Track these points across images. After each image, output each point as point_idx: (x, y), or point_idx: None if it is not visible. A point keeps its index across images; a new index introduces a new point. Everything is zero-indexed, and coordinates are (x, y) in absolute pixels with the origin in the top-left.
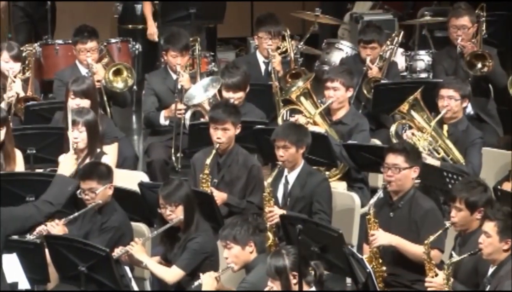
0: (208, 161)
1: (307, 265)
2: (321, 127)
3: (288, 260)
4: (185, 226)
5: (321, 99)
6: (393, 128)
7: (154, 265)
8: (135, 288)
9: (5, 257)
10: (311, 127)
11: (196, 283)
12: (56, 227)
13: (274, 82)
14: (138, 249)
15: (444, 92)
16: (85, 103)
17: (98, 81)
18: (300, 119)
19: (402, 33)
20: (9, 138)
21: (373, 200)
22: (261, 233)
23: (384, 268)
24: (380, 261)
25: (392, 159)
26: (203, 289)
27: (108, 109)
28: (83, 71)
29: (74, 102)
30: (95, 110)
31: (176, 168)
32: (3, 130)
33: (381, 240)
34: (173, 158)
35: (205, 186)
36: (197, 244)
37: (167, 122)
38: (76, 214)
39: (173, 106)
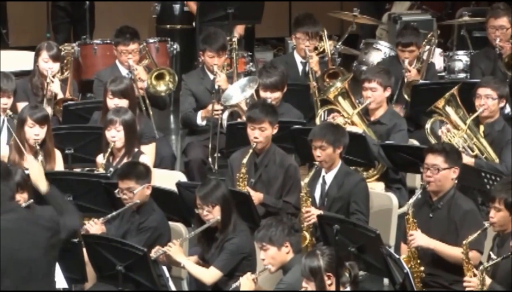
0: (245, 161)
1: (342, 265)
2: (359, 128)
3: (323, 261)
4: (222, 227)
5: (359, 99)
6: (428, 125)
7: (192, 265)
8: (173, 287)
9: None
10: (349, 128)
11: (234, 286)
12: (95, 226)
13: (312, 83)
14: (176, 250)
15: (481, 91)
16: (123, 103)
17: (142, 81)
18: (338, 119)
19: (438, 33)
20: (50, 137)
21: (412, 200)
22: (296, 233)
23: (422, 268)
24: (418, 261)
25: (432, 159)
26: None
27: (144, 109)
28: (123, 71)
29: (112, 102)
30: (133, 110)
31: (213, 169)
32: (44, 129)
33: (419, 241)
34: (210, 159)
35: (242, 185)
36: (235, 244)
37: (204, 123)
38: (114, 213)
39: (210, 106)
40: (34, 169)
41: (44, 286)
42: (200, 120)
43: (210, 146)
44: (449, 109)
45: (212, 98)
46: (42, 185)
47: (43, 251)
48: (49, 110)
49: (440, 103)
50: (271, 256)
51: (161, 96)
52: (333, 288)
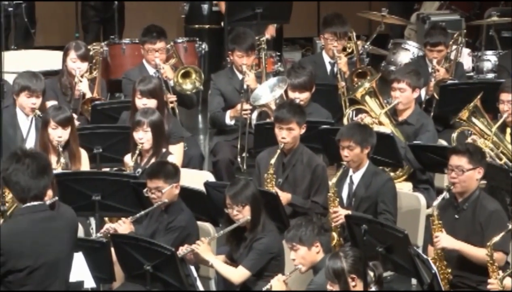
0: (272, 161)
1: (365, 266)
2: (387, 128)
3: (346, 263)
4: (251, 226)
5: (387, 99)
6: (454, 135)
7: (220, 264)
8: (200, 287)
9: None
10: (377, 128)
11: (264, 289)
12: (123, 225)
13: (340, 83)
14: (204, 248)
15: (504, 96)
16: (152, 103)
17: (169, 80)
18: (366, 119)
19: (465, 32)
20: (74, 137)
21: (436, 202)
22: (326, 233)
23: (449, 270)
24: (445, 262)
25: (456, 160)
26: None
27: (171, 109)
28: (151, 71)
29: (140, 102)
30: (161, 110)
31: (242, 169)
32: (68, 130)
33: (444, 242)
34: (239, 159)
35: (269, 185)
36: (263, 244)
37: (232, 122)
38: (142, 212)
39: (239, 106)
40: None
41: (64, 285)
42: (228, 120)
43: (238, 145)
44: (474, 120)
45: (241, 97)
46: None
47: (68, 250)
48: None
49: (464, 114)
50: (302, 256)
51: (188, 96)
52: (358, 289)
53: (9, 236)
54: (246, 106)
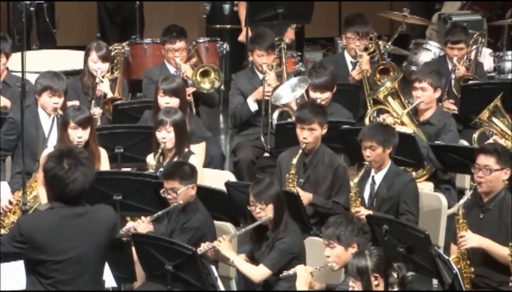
0: (294, 161)
1: (390, 266)
2: (409, 128)
3: (371, 261)
4: (274, 225)
5: (409, 99)
6: (475, 136)
7: (240, 262)
8: (221, 287)
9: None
10: (399, 128)
11: (286, 273)
12: (142, 224)
13: (364, 80)
14: (225, 245)
15: None
16: (174, 101)
17: (188, 79)
18: (388, 119)
19: (486, 33)
20: (94, 137)
21: (462, 201)
22: (364, 235)
23: (472, 269)
24: (468, 262)
25: (484, 160)
26: (297, 282)
27: (195, 109)
28: (172, 70)
29: (163, 101)
30: (184, 109)
31: (266, 148)
32: (87, 131)
33: (471, 242)
34: (262, 138)
35: (291, 185)
36: (286, 244)
37: (256, 107)
38: (160, 212)
39: (260, 88)
40: None
41: (94, 285)
42: (252, 104)
43: (262, 138)
44: (495, 120)
45: (263, 82)
46: None
47: (95, 249)
48: (98, 110)
49: (485, 114)
50: (337, 254)
51: (210, 94)
52: (380, 289)
53: (33, 227)
54: (268, 88)
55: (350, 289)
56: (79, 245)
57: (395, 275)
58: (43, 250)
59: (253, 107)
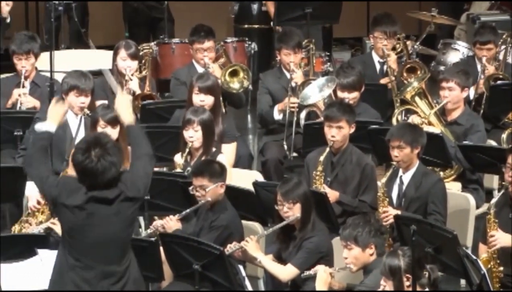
0: (322, 158)
1: (422, 267)
2: (436, 128)
3: (403, 261)
4: (301, 225)
5: (437, 99)
6: (504, 136)
7: (268, 262)
8: (249, 287)
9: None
10: (426, 128)
11: (307, 273)
12: (170, 222)
13: (390, 78)
14: (252, 246)
15: None
16: (209, 99)
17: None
18: (415, 119)
19: None
20: (123, 136)
21: (494, 200)
22: (382, 236)
23: (501, 268)
24: (498, 261)
25: None
26: (316, 282)
27: (224, 109)
28: (200, 70)
29: (198, 98)
30: (218, 108)
31: (289, 156)
32: (116, 129)
33: (502, 241)
34: (285, 145)
35: (318, 183)
36: (313, 243)
37: (280, 117)
38: (188, 210)
39: (286, 99)
40: (123, 101)
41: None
42: (277, 115)
43: (284, 143)
44: None
45: (288, 91)
46: (128, 117)
47: (127, 227)
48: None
49: None
50: (355, 256)
51: (237, 95)
52: (411, 289)
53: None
54: (294, 99)
55: (381, 288)
56: (100, 231)
57: (426, 276)
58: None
59: (277, 116)
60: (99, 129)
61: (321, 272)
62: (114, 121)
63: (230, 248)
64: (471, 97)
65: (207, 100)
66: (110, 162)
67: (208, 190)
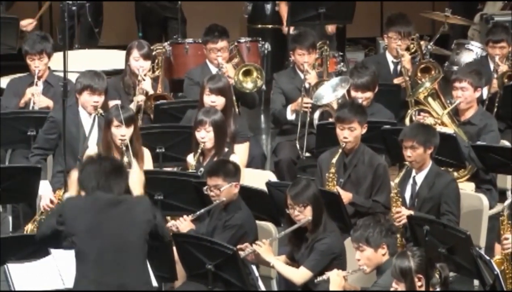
0: (334, 160)
1: (432, 267)
2: (449, 128)
3: (413, 262)
4: (313, 227)
5: (450, 99)
6: None
7: (281, 265)
8: (262, 287)
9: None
10: (439, 128)
11: (320, 278)
12: (184, 223)
13: (405, 78)
14: (265, 249)
15: None
16: (220, 100)
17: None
18: (428, 119)
19: None
20: (137, 136)
21: (508, 201)
22: (393, 235)
23: None
24: None
25: None
26: (330, 286)
27: (237, 109)
28: (213, 70)
29: (209, 99)
30: (229, 109)
31: (301, 155)
32: (131, 129)
33: None
34: (297, 145)
35: (331, 184)
36: (325, 245)
37: (293, 117)
38: (202, 210)
39: (299, 99)
40: (133, 175)
41: (140, 275)
42: (289, 115)
43: (297, 144)
44: None
45: (302, 92)
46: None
47: (141, 235)
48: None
49: None
50: (367, 257)
51: (250, 95)
52: (423, 289)
53: (72, 209)
54: (307, 100)
55: (392, 289)
56: (115, 232)
57: (437, 275)
58: (77, 233)
59: (290, 116)
60: (113, 129)
61: (335, 276)
62: (128, 121)
63: (243, 251)
64: (485, 97)
65: (218, 101)
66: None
67: (222, 190)
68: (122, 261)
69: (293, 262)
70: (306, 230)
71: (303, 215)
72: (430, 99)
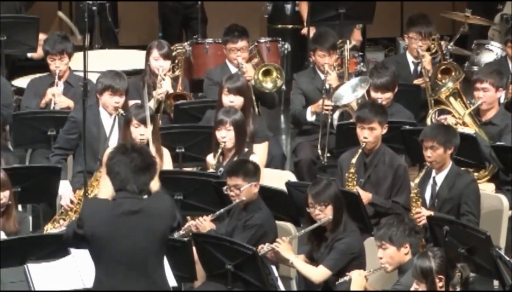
0: (354, 160)
1: (453, 267)
2: (471, 128)
3: (434, 262)
4: (333, 226)
5: (470, 100)
6: None
7: (300, 263)
8: (282, 287)
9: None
10: (461, 128)
11: (341, 280)
12: (204, 223)
13: (424, 78)
14: (284, 247)
15: None
16: (239, 100)
17: (248, 80)
18: (449, 119)
19: None
20: (156, 136)
21: None
22: (417, 235)
23: None
24: None
25: None
26: (351, 286)
27: (256, 109)
28: (233, 70)
29: (227, 99)
30: (248, 108)
31: (323, 161)
32: (150, 129)
33: None
34: (319, 150)
35: (351, 184)
36: (345, 244)
37: (313, 118)
38: (222, 210)
39: (320, 101)
40: None
41: (157, 279)
42: (309, 116)
43: (319, 145)
44: None
45: (323, 94)
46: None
47: (159, 242)
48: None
49: None
50: (390, 255)
51: (270, 95)
52: (444, 289)
53: (90, 212)
54: (328, 102)
55: (413, 289)
56: (135, 238)
57: (458, 275)
58: (97, 238)
59: (310, 118)
60: (132, 128)
61: (356, 275)
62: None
63: (263, 249)
64: (501, 100)
65: (236, 101)
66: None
67: (242, 189)
68: (138, 268)
69: (312, 261)
70: (326, 229)
71: (323, 214)
72: (452, 99)
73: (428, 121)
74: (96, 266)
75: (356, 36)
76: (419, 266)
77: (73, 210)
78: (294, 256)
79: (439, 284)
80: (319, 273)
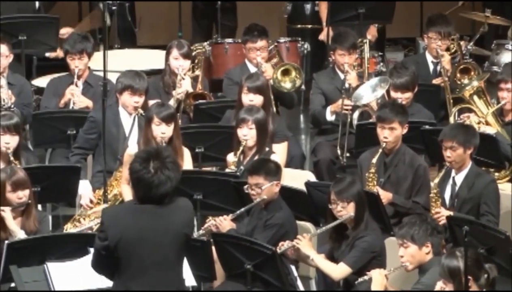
0: (374, 160)
1: (480, 268)
2: (493, 128)
3: (462, 262)
4: (355, 224)
5: (490, 100)
6: None
7: (321, 260)
8: (301, 287)
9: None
10: (483, 128)
11: (361, 279)
12: (224, 222)
13: (443, 77)
14: (305, 244)
15: None
16: (258, 99)
17: (267, 80)
18: (472, 118)
19: None
20: (177, 134)
21: None
22: (439, 235)
23: None
24: None
25: None
26: (372, 285)
27: (275, 109)
28: (252, 70)
29: (247, 98)
30: (267, 108)
31: (342, 161)
32: (171, 127)
33: None
34: (339, 150)
35: (371, 184)
36: (366, 242)
37: (333, 118)
38: (242, 209)
39: (340, 101)
40: None
41: (174, 277)
42: (329, 116)
43: (338, 145)
44: None
45: (342, 94)
46: None
47: (178, 241)
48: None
49: None
50: (411, 254)
51: (288, 94)
52: (471, 290)
53: (112, 221)
54: (347, 102)
55: (439, 288)
56: (154, 243)
57: (485, 276)
58: (124, 243)
59: (329, 117)
60: (154, 126)
61: (377, 274)
62: (169, 118)
63: (283, 246)
64: None
65: (256, 100)
66: (167, 176)
67: (263, 188)
68: (156, 270)
69: (332, 260)
70: (346, 227)
71: (345, 211)
72: (475, 97)
73: (451, 120)
74: (120, 274)
75: (372, 32)
76: (447, 266)
77: (92, 210)
78: (314, 252)
79: (469, 284)
80: (339, 270)
